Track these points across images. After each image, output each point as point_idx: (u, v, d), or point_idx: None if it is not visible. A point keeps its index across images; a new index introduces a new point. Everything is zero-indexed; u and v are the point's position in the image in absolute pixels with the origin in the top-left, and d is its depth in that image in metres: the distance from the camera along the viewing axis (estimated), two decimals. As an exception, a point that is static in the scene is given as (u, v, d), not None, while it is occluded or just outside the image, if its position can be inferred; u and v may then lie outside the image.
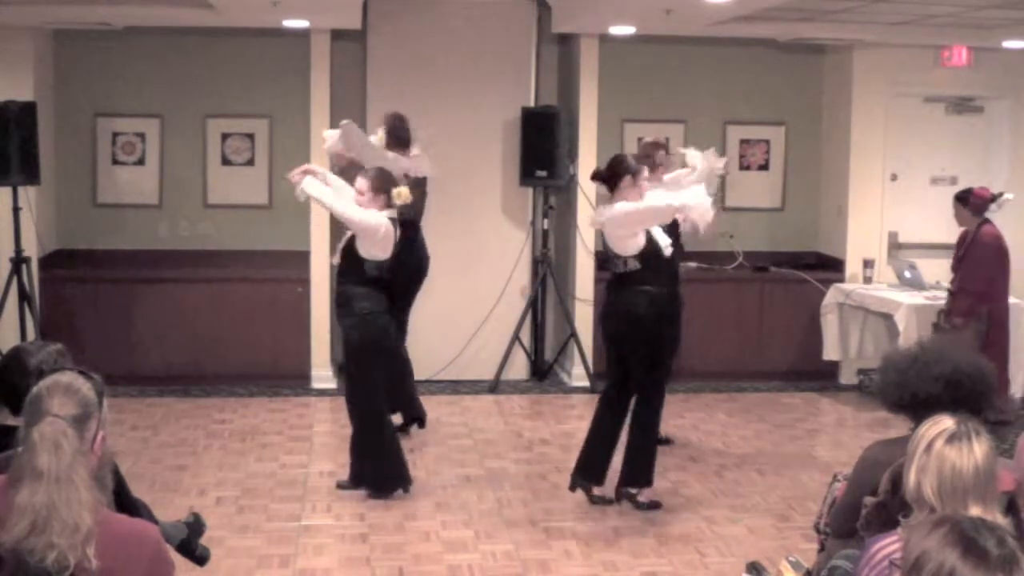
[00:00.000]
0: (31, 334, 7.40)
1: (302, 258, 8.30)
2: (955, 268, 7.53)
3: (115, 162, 8.70)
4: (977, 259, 7.30)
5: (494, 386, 8.47)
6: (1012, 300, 8.21)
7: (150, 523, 2.94)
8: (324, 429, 7.26)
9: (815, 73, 9.22)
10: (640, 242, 5.68)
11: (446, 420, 7.56)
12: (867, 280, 8.65)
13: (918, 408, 3.57)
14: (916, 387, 3.55)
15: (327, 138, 7.03)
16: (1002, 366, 7.00)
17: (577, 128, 8.52)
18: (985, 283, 7.28)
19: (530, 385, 8.62)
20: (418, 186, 6.76)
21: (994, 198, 7.36)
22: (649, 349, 5.80)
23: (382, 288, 5.92)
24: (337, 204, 5.87)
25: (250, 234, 8.79)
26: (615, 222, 5.69)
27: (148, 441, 6.97)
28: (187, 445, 6.93)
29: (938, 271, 8.70)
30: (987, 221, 7.40)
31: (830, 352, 8.50)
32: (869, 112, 8.81)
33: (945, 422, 2.77)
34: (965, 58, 8.66)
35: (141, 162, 8.72)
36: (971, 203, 7.36)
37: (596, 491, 5.97)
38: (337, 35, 8.37)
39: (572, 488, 5.99)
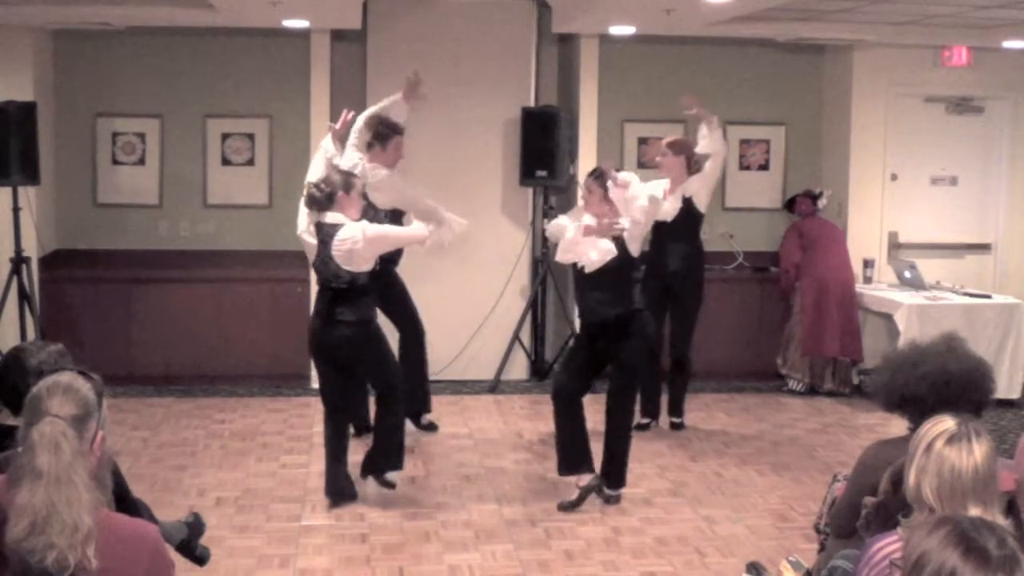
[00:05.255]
0: (31, 334, 7.40)
1: (302, 258, 8.26)
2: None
3: (115, 162, 8.70)
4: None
5: (494, 386, 8.47)
6: (1012, 300, 8.25)
7: (150, 523, 2.94)
8: (324, 429, 7.26)
9: (815, 73, 9.22)
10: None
11: (446, 420, 7.56)
12: (867, 280, 8.66)
13: (909, 408, 3.58)
14: (903, 387, 3.56)
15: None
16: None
17: (577, 128, 8.51)
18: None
19: (530, 385, 8.62)
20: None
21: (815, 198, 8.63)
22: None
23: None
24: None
25: (250, 234, 8.79)
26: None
27: (148, 441, 6.97)
28: (187, 445, 6.93)
29: (938, 271, 8.72)
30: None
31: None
32: (869, 112, 8.81)
33: (946, 422, 2.77)
34: (965, 58, 8.66)
35: (141, 162, 8.72)
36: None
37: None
38: (337, 35, 8.38)
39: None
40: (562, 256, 5.95)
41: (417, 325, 7.19)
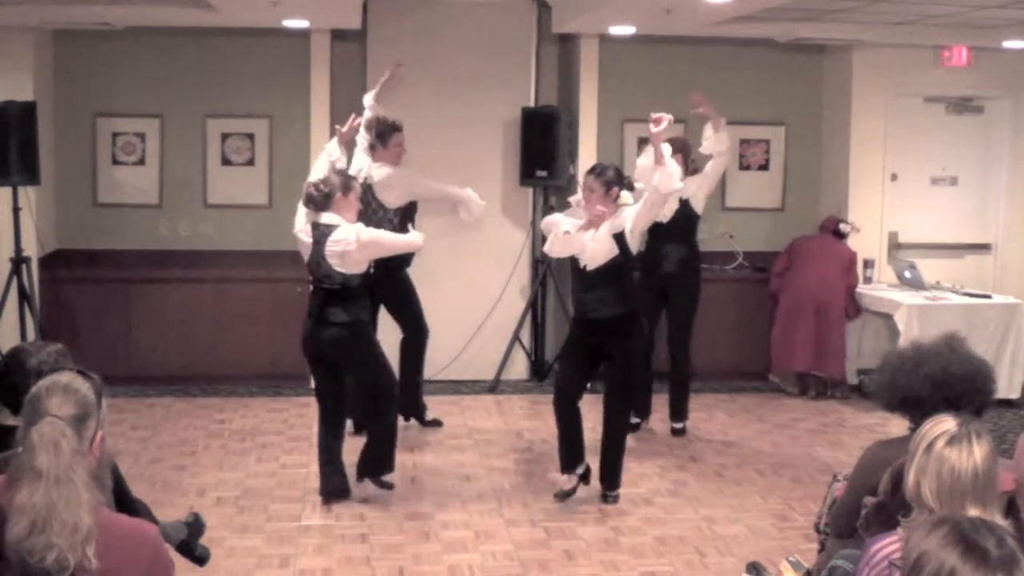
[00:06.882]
0: (31, 334, 7.40)
1: (302, 258, 8.27)
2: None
3: (115, 162, 8.70)
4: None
5: (494, 386, 8.47)
6: (1012, 300, 8.24)
7: (149, 523, 2.94)
8: (324, 429, 7.25)
9: (815, 73, 9.22)
10: None
11: (446, 420, 7.55)
12: (867, 280, 8.65)
13: (910, 408, 3.58)
14: (905, 388, 3.56)
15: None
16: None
17: (577, 128, 8.52)
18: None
19: (530, 385, 8.62)
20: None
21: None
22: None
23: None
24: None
25: (250, 234, 8.79)
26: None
27: (148, 441, 6.98)
28: (187, 445, 6.93)
29: (938, 271, 8.71)
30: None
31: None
32: (869, 112, 8.80)
33: (947, 423, 2.77)
34: (965, 58, 8.66)
35: (141, 162, 8.72)
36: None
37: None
38: (337, 35, 8.38)
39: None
40: (550, 246, 5.88)
41: (420, 330, 7.22)
